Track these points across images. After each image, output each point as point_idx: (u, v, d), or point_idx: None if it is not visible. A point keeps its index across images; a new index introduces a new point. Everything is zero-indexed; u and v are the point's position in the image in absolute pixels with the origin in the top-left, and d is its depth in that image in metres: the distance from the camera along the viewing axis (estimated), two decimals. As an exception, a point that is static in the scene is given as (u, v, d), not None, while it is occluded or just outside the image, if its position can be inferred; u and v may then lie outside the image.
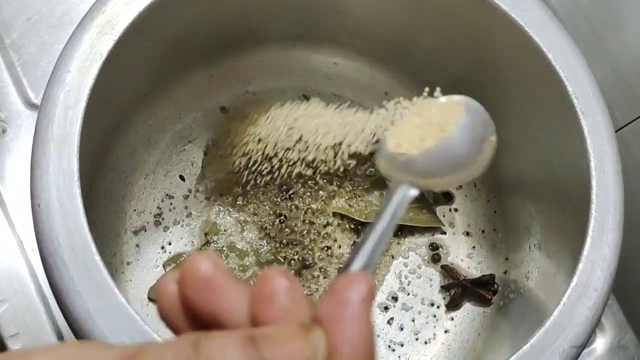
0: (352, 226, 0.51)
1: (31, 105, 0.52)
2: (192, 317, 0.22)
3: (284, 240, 0.50)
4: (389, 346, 0.49)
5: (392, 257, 0.51)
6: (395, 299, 0.50)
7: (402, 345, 0.49)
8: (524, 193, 0.50)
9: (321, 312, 0.22)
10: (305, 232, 0.51)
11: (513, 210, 0.51)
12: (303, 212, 0.51)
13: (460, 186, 0.53)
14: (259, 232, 0.50)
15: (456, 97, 0.35)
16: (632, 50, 0.50)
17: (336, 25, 0.51)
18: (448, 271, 0.50)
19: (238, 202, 0.51)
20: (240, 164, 0.48)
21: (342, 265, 0.50)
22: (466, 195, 0.53)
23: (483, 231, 0.52)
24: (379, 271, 0.50)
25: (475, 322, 0.49)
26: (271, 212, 0.51)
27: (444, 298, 0.50)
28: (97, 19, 0.39)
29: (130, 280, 0.48)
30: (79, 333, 0.34)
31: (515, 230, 0.50)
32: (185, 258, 0.49)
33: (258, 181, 0.49)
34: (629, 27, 0.50)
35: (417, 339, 0.49)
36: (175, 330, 0.23)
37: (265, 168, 0.47)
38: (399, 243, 0.51)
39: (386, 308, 0.49)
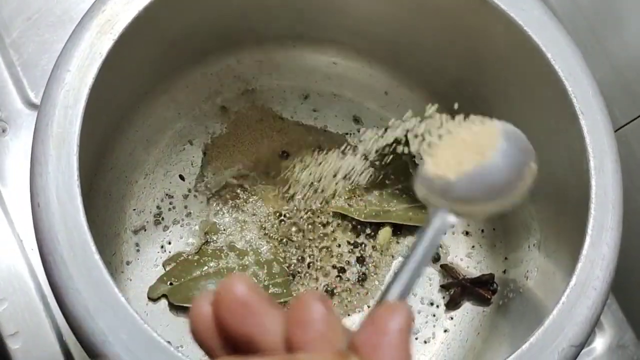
0: (352, 226, 0.51)
1: (31, 104, 0.52)
2: (226, 338, 0.23)
3: (284, 240, 0.50)
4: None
5: (392, 256, 0.51)
6: (394, 298, 0.50)
7: (401, 344, 0.49)
8: (524, 192, 0.50)
9: (359, 340, 0.22)
10: (304, 231, 0.51)
11: (512, 209, 0.51)
12: (302, 211, 0.51)
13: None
14: (259, 232, 0.50)
15: (494, 122, 0.34)
16: (631, 49, 0.50)
17: (336, 25, 0.52)
18: (447, 270, 0.51)
19: (238, 202, 0.51)
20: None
21: (340, 266, 0.50)
22: (466, 195, 0.53)
23: (482, 230, 0.52)
24: (379, 271, 0.50)
25: (475, 321, 0.49)
26: (270, 212, 0.51)
27: (444, 297, 0.50)
28: (97, 18, 0.39)
29: (130, 280, 0.48)
30: (78, 332, 0.34)
31: (515, 230, 0.50)
32: (185, 257, 0.49)
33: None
34: (628, 26, 0.50)
35: (416, 338, 0.49)
36: (209, 351, 0.23)
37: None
38: (398, 242, 0.51)
39: (386, 307, 0.49)
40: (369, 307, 0.49)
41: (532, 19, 0.42)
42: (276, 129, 0.53)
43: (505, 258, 0.51)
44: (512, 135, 0.34)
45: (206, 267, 0.48)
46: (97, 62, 0.39)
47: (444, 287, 0.50)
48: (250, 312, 0.22)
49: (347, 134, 0.54)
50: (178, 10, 0.44)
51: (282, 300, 0.48)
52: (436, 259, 0.51)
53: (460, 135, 0.34)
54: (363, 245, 0.51)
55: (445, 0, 0.45)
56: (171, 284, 0.48)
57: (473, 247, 0.52)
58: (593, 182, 0.40)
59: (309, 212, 0.51)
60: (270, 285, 0.48)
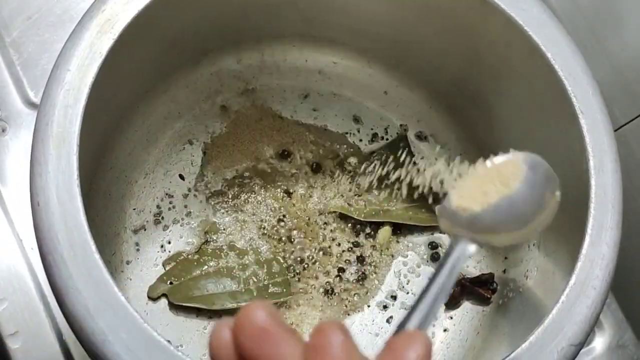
0: (352, 225, 0.51)
1: (31, 104, 0.52)
2: None
3: (284, 239, 0.50)
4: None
5: (392, 256, 0.51)
6: (394, 297, 0.50)
7: (401, 344, 0.49)
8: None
9: None
10: (304, 231, 0.51)
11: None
12: (302, 211, 0.51)
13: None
14: (258, 231, 0.50)
15: (518, 153, 0.35)
16: (631, 49, 0.50)
17: (336, 25, 0.52)
18: (447, 270, 0.50)
19: (238, 201, 0.51)
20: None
21: (340, 265, 0.50)
22: (465, 195, 0.53)
23: (482, 230, 0.52)
24: (378, 270, 0.50)
25: (474, 320, 0.49)
26: (270, 211, 0.51)
27: (443, 297, 0.50)
28: (97, 17, 0.39)
29: (130, 279, 0.48)
30: (78, 331, 0.34)
31: (515, 229, 0.50)
32: (185, 257, 0.49)
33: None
34: (628, 26, 0.50)
35: (416, 338, 0.49)
36: None
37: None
38: (398, 242, 0.51)
39: (385, 307, 0.50)
40: (368, 306, 0.49)
41: (532, 19, 0.42)
42: (276, 128, 0.53)
43: (505, 257, 0.51)
44: (536, 164, 0.34)
45: (206, 267, 0.48)
46: (97, 61, 0.39)
47: (443, 287, 0.50)
48: (269, 338, 0.23)
49: (346, 133, 0.54)
50: (178, 9, 0.44)
51: (282, 299, 0.48)
52: (436, 258, 0.51)
53: (484, 167, 0.34)
54: (363, 244, 0.51)
55: (445, 0, 0.45)
56: (171, 283, 0.48)
57: (473, 246, 0.52)
58: (593, 182, 0.40)
59: (308, 212, 0.51)
60: (270, 285, 0.48)
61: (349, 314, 0.49)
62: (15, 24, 0.54)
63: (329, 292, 0.49)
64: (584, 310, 0.37)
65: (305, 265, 0.50)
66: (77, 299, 0.34)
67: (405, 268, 0.51)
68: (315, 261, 0.50)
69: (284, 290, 0.48)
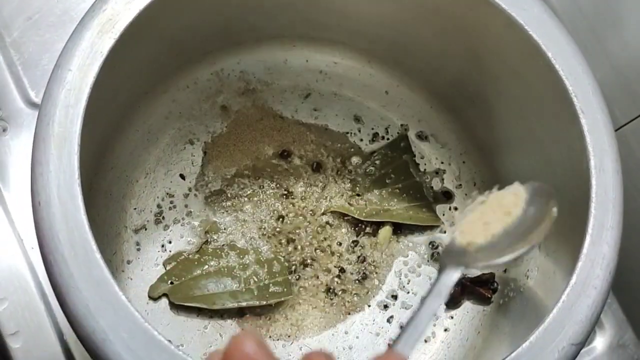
0: (352, 225, 0.51)
1: (32, 104, 0.53)
2: None
3: (284, 239, 0.50)
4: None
5: (392, 255, 0.51)
6: (395, 297, 0.50)
7: (401, 343, 0.49)
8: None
9: None
10: (304, 230, 0.51)
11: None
12: (303, 210, 0.51)
13: (460, 185, 0.53)
14: (259, 231, 0.50)
15: (517, 185, 0.35)
16: (631, 49, 0.50)
17: (336, 25, 0.52)
18: (448, 270, 0.50)
19: (238, 201, 0.51)
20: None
21: (341, 265, 0.50)
22: (466, 194, 0.53)
23: (483, 230, 0.52)
24: (379, 270, 0.50)
25: (475, 320, 0.49)
26: (271, 211, 0.51)
27: (444, 297, 0.50)
28: (98, 17, 0.40)
29: (131, 279, 0.48)
30: (79, 331, 0.34)
31: (515, 229, 0.50)
32: (185, 256, 0.49)
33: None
34: (628, 26, 0.50)
35: (416, 338, 0.49)
36: None
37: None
38: (398, 241, 0.51)
39: (386, 306, 0.50)
40: (369, 306, 0.49)
41: (533, 18, 0.42)
42: (277, 128, 0.53)
43: (506, 257, 0.51)
44: (537, 190, 0.35)
45: (207, 266, 0.48)
46: (98, 61, 0.39)
47: (444, 287, 0.50)
48: None
49: (347, 133, 0.54)
50: (179, 9, 0.44)
51: (282, 298, 0.48)
52: (436, 258, 0.51)
53: (485, 199, 0.35)
54: (363, 244, 0.51)
55: (445, 0, 0.45)
56: (172, 283, 0.48)
57: (473, 246, 0.52)
58: (593, 182, 0.40)
59: (309, 212, 0.51)
60: (271, 284, 0.48)
61: (349, 314, 0.49)
62: (15, 24, 0.54)
63: (329, 291, 0.49)
64: (584, 309, 0.37)
65: (306, 265, 0.50)
66: (78, 299, 0.34)
67: (406, 268, 0.51)
68: (316, 261, 0.50)
69: (285, 289, 0.48)
